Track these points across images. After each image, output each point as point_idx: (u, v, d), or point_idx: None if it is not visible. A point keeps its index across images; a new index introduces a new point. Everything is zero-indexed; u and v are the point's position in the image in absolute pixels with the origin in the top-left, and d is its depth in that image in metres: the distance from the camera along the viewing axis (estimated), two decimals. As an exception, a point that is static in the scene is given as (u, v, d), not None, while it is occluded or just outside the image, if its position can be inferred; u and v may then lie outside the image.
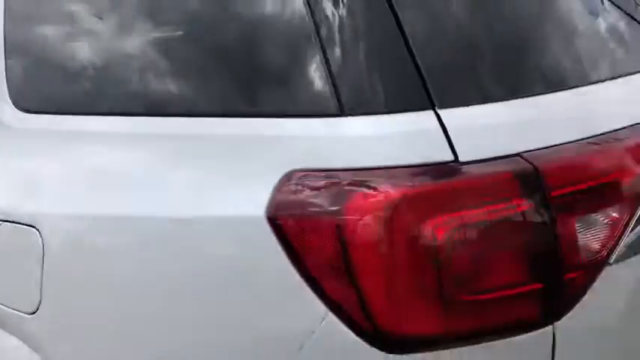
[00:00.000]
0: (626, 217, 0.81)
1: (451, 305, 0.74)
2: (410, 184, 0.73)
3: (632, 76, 1.05)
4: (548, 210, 0.75)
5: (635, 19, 1.20)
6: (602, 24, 1.11)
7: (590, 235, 0.79)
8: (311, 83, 0.81)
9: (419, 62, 0.78)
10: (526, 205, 0.75)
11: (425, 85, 0.78)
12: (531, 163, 0.75)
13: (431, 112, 0.77)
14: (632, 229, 0.82)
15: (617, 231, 0.81)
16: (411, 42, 0.79)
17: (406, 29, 0.79)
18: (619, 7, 1.16)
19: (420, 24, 0.82)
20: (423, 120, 0.76)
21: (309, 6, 0.82)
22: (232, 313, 0.81)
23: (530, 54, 0.92)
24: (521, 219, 0.75)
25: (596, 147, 0.83)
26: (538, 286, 0.76)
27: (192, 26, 0.92)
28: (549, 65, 0.94)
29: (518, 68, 0.89)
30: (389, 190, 0.73)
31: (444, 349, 0.76)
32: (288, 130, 0.81)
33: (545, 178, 0.76)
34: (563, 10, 1.03)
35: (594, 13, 1.11)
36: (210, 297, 0.82)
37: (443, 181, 0.74)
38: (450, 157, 0.75)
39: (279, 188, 0.77)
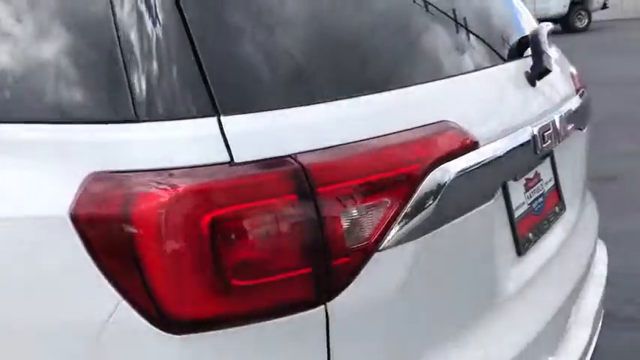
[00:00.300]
0: (394, 210, 0.93)
1: (229, 289, 0.84)
2: (188, 183, 0.83)
3: (454, 78, 1.18)
4: (315, 204, 0.86)
5: (459, 23, 1.33)
6: (416, 26, 1.23)
7: (359, 225, 0.90)
8: (112, 92, 0.90)
9: (207, 73, 0.88)
10: (294, 200, 0.86)
11: (211, 94, 0.87)
12: (300, 163, 0.86)
13: (214, 119, 0.86)
14: (402, 220, 0.94)
15: (385, 222, 0.92)
16: (200, 54, 0.88)
17: (197, 44, 0.88)
18: (441, 11, 1.28)
19: (211, 39, 0.91)
20: (206, 126, 0.86)
21: (115, 18, 0.90)
22: (34, 306, 0.89)
23: (333, 61, 1.02)
24: (290, 212, 0.85)
25: (370, 146, 0.94)
26: (308, 270, 0.87)
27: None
28: (358, 69, 1.05)
29: (315, 75, 0.99)
30: (170, 189, 0.82)
31: (225, 328, 0.85)
32: (89, 135, 0.89)
33: (312, 176, 0.86)
34: (368, 11, 1.12)
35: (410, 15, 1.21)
36: (13, 291, 0.89)
37: (215, 179, 0.84)
38: (226, 158, 0.85)
39: (80, 189, 0.86)
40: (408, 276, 0.97)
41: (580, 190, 1.67)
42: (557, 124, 1.37)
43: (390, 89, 1.05)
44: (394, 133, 0.98)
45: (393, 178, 0.94)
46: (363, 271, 0.91)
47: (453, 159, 1.03)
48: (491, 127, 1.17)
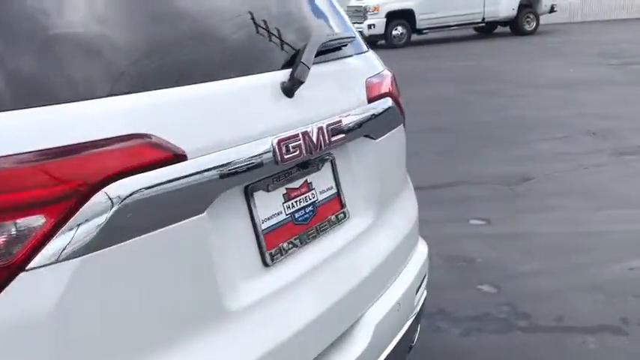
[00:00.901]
0: (49, 227, 0.90)
1: None
2: None
3: (178, 88, 1.12)
4: None
5: (222, 30, 1.28)
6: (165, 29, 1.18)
7: (-4, 244, 0.87)
8: None
9: None
10: None
11: None
12: None
13: None
14: (61, 237, 0.91)
15: (37, 240, 0.89)
16: None
17: None
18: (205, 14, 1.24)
19: None
20: None
21: None
22: None
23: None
24: None
25: (14, 162, 0.88)
26: None
27: None
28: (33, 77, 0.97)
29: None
30: None
31: None
32: None
33: None
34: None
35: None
36: None
37: None
38: None
39: None
40: (76, 294, 0.93)
41: (377, 198, 1.65)
42: (314, 135, 1.34)
43: (78, 100, 0.99)
44: (57, 147, 0.93)
45: (43, 195, 0.90)
46: (5, 292, 0.87)
47: (140, 172, 1.00)
48: (213, 139, 1.14)
